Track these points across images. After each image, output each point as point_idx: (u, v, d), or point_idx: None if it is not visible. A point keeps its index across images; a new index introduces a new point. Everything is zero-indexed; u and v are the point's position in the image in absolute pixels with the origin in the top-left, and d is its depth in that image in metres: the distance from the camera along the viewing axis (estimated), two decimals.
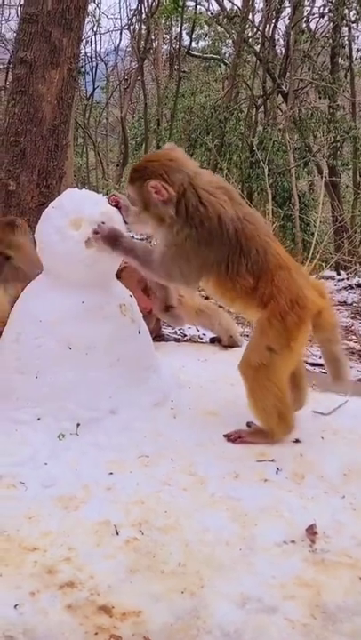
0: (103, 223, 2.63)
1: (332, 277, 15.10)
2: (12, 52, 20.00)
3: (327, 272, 13.43)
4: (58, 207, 2.74)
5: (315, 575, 1.91)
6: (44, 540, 1.99)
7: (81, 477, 2.32)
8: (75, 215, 2.65)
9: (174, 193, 2.47)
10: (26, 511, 2.12)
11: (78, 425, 2.59)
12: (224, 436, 2.64)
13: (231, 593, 1.82)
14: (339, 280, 14.75)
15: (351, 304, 10.95)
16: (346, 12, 15.10)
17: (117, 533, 2.04)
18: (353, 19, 15.28)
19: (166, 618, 1.73)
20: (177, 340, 4.23)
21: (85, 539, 2.01)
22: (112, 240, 2.61)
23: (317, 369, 5.70)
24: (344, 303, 12.88)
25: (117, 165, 19.53)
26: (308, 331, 2.61)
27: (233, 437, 2.63)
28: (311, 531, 2.08)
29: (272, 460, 2.48)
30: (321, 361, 6.50)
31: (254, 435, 2.65)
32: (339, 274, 15.27)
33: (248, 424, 2.72)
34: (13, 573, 1.85)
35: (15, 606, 1.74)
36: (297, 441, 2.63)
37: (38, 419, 2.60)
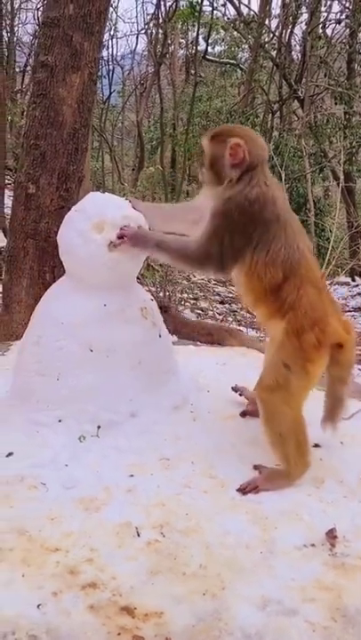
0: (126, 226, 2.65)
1: (347, 283, 15.10)
2: (29, 55, 20.22)
3: (342, 278, 13.45)
4: (80, 210, 2.76)
5: (335, 579, 1.91)
6: (66, 541, 2.01)
7: (102, 479, 2.33)
8: (97, 218, 2.66)
9: (248, 160, 2.50)
10: (48, 512, 2.14)
11: (99, 427, 2.60)
12: (238, 490, 2.36)
13: (252, 595, 1.83)
14: (354, 286, 14.73)
15: None
16: None
17: (138, 535, 2.05)
18: None
19: (188, 619, 1.75)
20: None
21: (107, 540, 2.02)
22: (140, 240, 2.63)
23: None
24: (359, 309, 12.85)
25: (133, 169, 19.60)
26: (326, 357, 2.49)
27: (248, 489, 2.37)
28: (331, 534, 2.09)
29: None
30: None
31: (270, 479, 2.42)
32: (354, 280, 15.25)
33: (255, 467, 2.50)
34: (36, 573, 1.87)
35: (38, 606, 1.76)
36: (316, 445, 2.63)
37: (59, 421, 2.62)
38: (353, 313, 12.50)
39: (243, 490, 2.36)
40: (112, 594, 1.81)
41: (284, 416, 2.45)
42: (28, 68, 20.36)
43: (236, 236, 2.47)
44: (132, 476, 2.37)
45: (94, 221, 2.67)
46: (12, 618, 1.71)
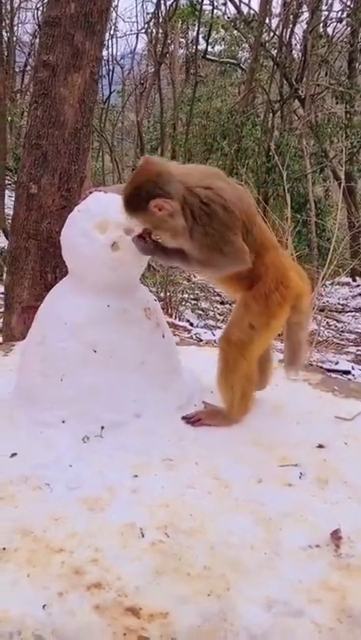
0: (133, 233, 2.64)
1: (348, 284, 15.10)
2: (29, 54, 20.21)
3: (343, 278, 13.44)
4: (84, 210, 2.75)
5: (340, 579, 1.91)
6: (71, 542, 2.01)
7: (106, 480, 2.33)
8: (101, 218, 2.66)
9: (177, 204, 2.40)
10: (52, 512, 2.14)
11: (103, 428, 2.60)
12: (182, 418, 2.72)
13: (257, 596, 1.83)
14: (355, 286, 14.74)
15: None
16: None
17: (143, 536, 2.05)
18: None
19: (193, 620, 1.74)
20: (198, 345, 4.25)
21: (111, 540, 2.02)
22: (159, 252, 2.61)
23: (333, 374, 5.70)
24: (359, 310, 12.84)
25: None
26: (288, 311, 2.69)
27: (193, 420, 2.72)
28: (336, 535, 2.08)
29: (295, 465, 2.48)
30: (339, 367, 6.53)
31: (212, 416, 2.75)
32: (355, 280, 15.25)
33: (204, 403, 2.84)
34: (41, 574, 1.87)
35: (44, 606, 1.75)
36: (320, 446, 2.63)
37: (63, 421, 2.62)
38: (354, 313, 12.51)
39: (187, 419, 2.72)
40: (117, 594, 1.81)
41: (240, 368, 2.67)
42: (28, 67, 20.38)
43: (223, 247, 2.50)
44: (136, 476, 2.36)
45: (98, 221, 2.67)
46: (17, 618, 1.71)
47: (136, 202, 2.44)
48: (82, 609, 1.75)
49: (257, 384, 2.89)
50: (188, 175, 2.51)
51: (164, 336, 2.90)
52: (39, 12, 17.95)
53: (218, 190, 2.48)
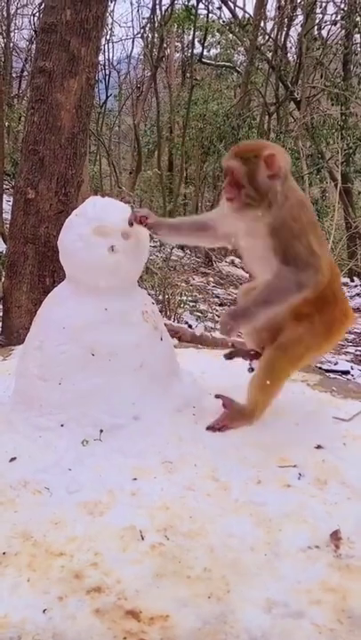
0: None
1: (345, 284, 15.11)
2: (25, 60, 20.25)
3: (341, 279, 13.46)
4: (81, 215, 2.76)
5: (340, 580, 1.91)
6: (71, 546, 2.01)
7: (105, 483, 2.33)
8: (98, 223, 2.67)
9: (283, 168, 2.50)
10: (52, 517, 2.14)
11: (102, 431, 2.60)
12: (207, 428, 2.71)
13: (257, 598, 1.83)
14: (353, 287, 14.74)
15: None
16: (358, 19, 15.11)
17: (143, 538, 2.05)
18: None
19: (194, 622, 1.75)
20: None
21: (111, 544, 2.02)
22: (243, 320, 2.57)
23: (332, 375, 5.70)
24: (357, 310, 12.86)
25: (130, 173, 19.58)
26: (339, 341, 2.79)
27: (217, 427, 2.71)
28: (335, 536, 2.09)
29: (294, 466, 2.48)
30: (338, 367, 6.53)
31: (234, 418, 2.74)
32: (353, 280, 15.25)
33: (218, 396, 2.83)
34: (41, 578, 1.87)
35: (44, 611, 1.76)
36: (319, 447, 2.63)
37: (62, 425, 2.62)
38: None
39: (212, 428, 2.70)
40: (117, 597, 1.81)
41: (282, 376, 2.73)
42: (25, 73, 20.41)
43: (304, 239, 2.50)
44: (135, 479, 2.37)
45: (95, 225, 2.68)
46: (18, 623, 1.72)
47: (251, 149, 2.53)
48: (82, 613, 1.76)
49: None
50: None
51: (162, 339, 2.90)
52: (36, 19, 18.00)
53: (302, 194, 2.67)
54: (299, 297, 2.51)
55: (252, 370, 2.86)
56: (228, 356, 3.00)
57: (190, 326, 7.82)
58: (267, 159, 2.47)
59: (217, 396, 2.84)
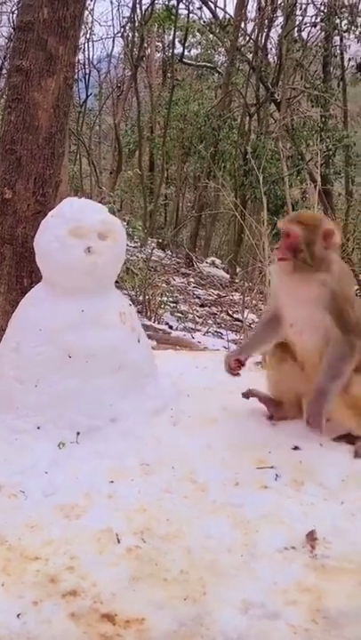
0: None
1: None
2: (4, 58, 20.09)
3: None
4: (57, 216, 2.75)
5: (316, 581, 1.92)
6: (46, 549, 2.00)
7: (82, 486, 2.32)
8: (75, 224, 2.66)
9: (337, 243, 2.65)
10: (27, 520, 2.13)
11: (78, 433, 2.59)
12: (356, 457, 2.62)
13: (234, 599, 1.83)
14: None
15: None
16: (338, 21, 15.23)
17: (119, 541, 2.04)
18: (345, 28, 15.42)
19: (170, 625, 1.74)
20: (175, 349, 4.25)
21: (87, 547, 2.01)
22: (326, 398, 2.58)
23: None
24: None
25: (111, 173, 19.55)
26: None
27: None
28: (311, 537, 2.09)
29: (272, 467, 2.48)
30: None
31: None
32: None
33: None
34: (16, 582, 1.86)
35: (18, 615, 1.75)
36: (296, 448, 2.63)
37: (38, 427, 2.61)
38: None
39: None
40: (93, 601, 1.80)
41: None
42: (4, 71, 20.25)
43: (356, 305, 2.66)
44: (112, 481, 2.36)
45: (71, 226, 2.66)
46: None
47: (313, 218, 2.74)
48: (57, 617, 1.75)
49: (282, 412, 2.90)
50: None
51: (139, 340, 2.89)
52: (14, 16, 17.85)
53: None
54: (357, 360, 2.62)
55: (271, 418, 2.86)
56: (246, 395, 2.97)
57: (171, 327, 7.83)
58: (326, 232, 2.61)
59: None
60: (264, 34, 17.24)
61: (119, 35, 20.51)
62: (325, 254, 2.61)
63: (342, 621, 1.78)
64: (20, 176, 4.29)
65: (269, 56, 17.96)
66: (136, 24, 17.84)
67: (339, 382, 2.58)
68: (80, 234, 2.66)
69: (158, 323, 8.05)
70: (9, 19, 19.56)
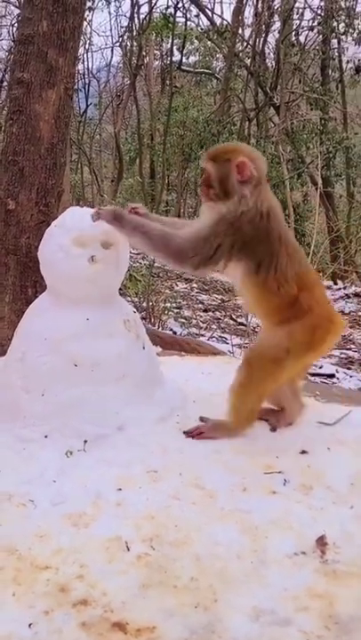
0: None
1: (329, 287, 15.18)
2: (4, 71, 20.20)
3: (324, 282, 13.52)
4: (60, 225, 2.76)
5: (327, 586, 1.91)
6: (56, 558, 1.99)
7: (90, 494, 2.32)
8: (78, 233, 2.67)
9: (256, 175, 2.58)
10: (36, 529, 2.13)
11: (86, 442, 2.59)
12: (184, 432, 2.73)
13: (245, 606, 1.83)
14: (336, 290, 14.83)
15: (349, 313, 11.02)
16: (335, 24, 15.27)
17: (128, 549, 2.04)
18: (342, 31, 15.46)
19: (181, 633, 1.74)
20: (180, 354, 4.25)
21: (97, 555, 2.01)
22: (118, 218, 2.60)
23: (318, 379, 5.73)
24: (342, 312, 12.93)
25: (112, 181, 19.62)
26: (325, 350, 2.79)
27: (194, 433, 2.72)
28: (321, 542, 2.09)
29: (279, 472, 2.48)
30: (323, 371, 6.55)
31: (214, 429, 2.75)
32: (336, 283, 15.32)
33: (202, 419, 2.82)
34: (27, 592, 1.86)
35: (29, 625, 1.74)
36: (304, 452, 2.64)
37: (46, 436, 2.61)
38: None
39: (189, 433, 2.72)
40: (104, 610, 1.80)
41: (262, 386, 2.71)
42: (4, 83, 20.35)
43: (235, 244, 2.55)
44: (120, 489, 2.35)
45: (74, 236, 2.67)
46: (3, 638, 1.69)
47: (226, 152, 2.66)
48: (68, 626, 1.74)
49: (291, 415, 2.92)
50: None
51: (144, 347, 2.90)
52: (14, 29, 17.95)
53: (277, 210, 2.68)
54: (160, 253, 2.62)
55: (274, 430, 2.87)
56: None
57: (175, 333, 7.83)
58: (239, 165, 2.56)
59: (201, 419, 2.85)
60: (262, 39, 17.30)
61: (117, 44, 20.64)
62: (242, 188, 2.57)
63: (354, 627, 1.77)
64: (23, 187, 4.32)
65: (267, 61, 18.02)
66: (134, 33, 17.91)
67: (140, 235, 2.58)
68: (83, 243, 2.67)
69: (162, 329, 8.05)
70: (9, 32, 19.71)
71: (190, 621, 1.77)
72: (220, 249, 2.53)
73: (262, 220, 2.57)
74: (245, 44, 17.37)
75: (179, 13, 17.45)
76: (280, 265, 2.60)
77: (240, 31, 16.93)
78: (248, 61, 16.89)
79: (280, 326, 2.68)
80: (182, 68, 19.29)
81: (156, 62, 22.63)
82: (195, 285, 12.05)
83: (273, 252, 2.59)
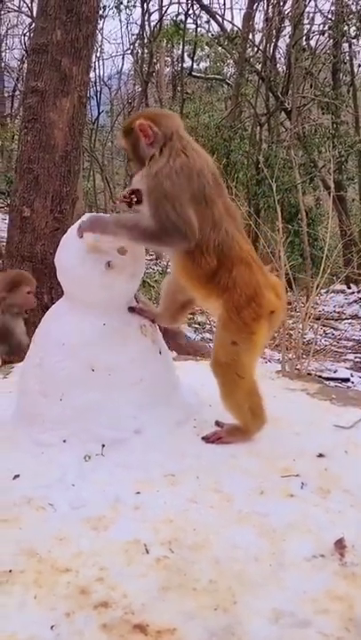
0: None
1: (342, 291, 15.15)
2: (17, 79, 20.39)
3: (338, 286, 13.49)
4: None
5: (346, 589, 1.91)
6: (76, 561, 2.01)
7: (109, 497, 2.34)
8: (93, 239, 2.69)
9: (160, 133, 2.53)
10: (56, 532, 2.14)
11: (103, 446, 2.61)
12: (202, 438, 2.74)
13: (264, 609, 1.83)
14: (350, 294, 14.78)
15: None
16: (346, 28, 15.28)
17: (147, 552, 2.05)
18: (353, 34, 15.49)
19: (201, 635, 1.74)
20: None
21: (116, 558, 2.02)
22: (99, 225, 2.61)
23: (332, 383, 5.72)
24: (355, 316, 12.88)
25: (124, 187, 19.67)
26: (267, 325, 2.68)
27: (212, 439, 2.73)
28: (340, 544, 2.09)
29: (297, 475, 2.48)
30: (338, 375, 6.55)
31: (231, 433, 2.76)
32: (349, 287, 15.31)
33: (217, 423, 2.83)
34: (48, 595, 1.87)
35: (52, 627, 1.75)
36: (321, 455, 2.64)
37: (64, 441, 2.63)
38: (350, 320, 12.55)
39: (207, 439, 2.73)
40: (124, 612, 1.81)
41: (240, 386, 2.69)
42: (17, 92, 20.55)
43: (180, 194, 2.47)
44: (138, 493, 2.37)
45: (90, 242, 2.70)
46: None
47: (130, 121, 2.64)
48: (89, 628, 1.75)
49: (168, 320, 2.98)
50: (185, 135, 2.64)
51: (160, 352, 2.92)
52: (26, 39, 18.15)
53: (202, 159, 2.57)
54: (144, 241, 2.63)
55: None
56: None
57: (188, 338, 7.84)
58: (140, 128, 2.54)
59: (217, 423, 2.84)
60: (272, 44, 17.36)
61: (129, 52, 20.79)
62: (149, 149, 2.55)
63: None
64: (38, 194, 4.38)
65: (278, 65, 18.09)
66: (145, 40, 18.01)
67: (121, 228, 2.55)
68: (99, 249, 2.69)
69: None
70: (21, 41, 19.92)
71: (210, 623, 1.78)
72: (175, 214, 2.46)
73: (178, 176, 2.47)
74: (256, 49, 17.42)
75: (189, 20, 17.59)
76: (203, 232, 2.51)
77: (251, 36, 16.99)
78: (259, 66, 16.94)
79: (208, 302, 2.71)
80: (193, 74, 19.37)
81: (168, 69, 22.76)
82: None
83: (195, 214, 2.49)
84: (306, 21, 16.26)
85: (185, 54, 18.95)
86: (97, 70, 21.05)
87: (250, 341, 2.64)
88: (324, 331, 10.53)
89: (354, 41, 16.01)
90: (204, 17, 18.23)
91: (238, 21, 18.46)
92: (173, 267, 2.74)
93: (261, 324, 2.64)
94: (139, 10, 18.19)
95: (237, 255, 2.60)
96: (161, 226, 2.47)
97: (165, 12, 18.29)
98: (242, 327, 2.61)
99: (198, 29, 18.71)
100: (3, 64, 20.68)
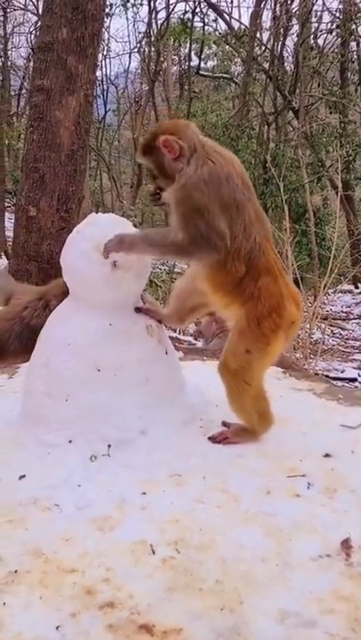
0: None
1: (350, 291, 15.11)
2: (23, 78, 20.43)
3: (345, 286, 13.45)
4: (83, 231, 2.78)
5: (352, 589, 1.91)
6: (82, 562, 2.01)
7: (114, 498, 2.33)
8: (100, 239, 2.69)
9: (186, 145, 2.49)
10: (62, 533, 2.14)
11: (109, 446, 2.61)
12: (209, 438, 2.74)
13: (270, 609, 1.83)
14: (357, 293, 14.74)
15: None
16: (353, 26, 15.22)
17: (154, 552, 2.05)
18: None
19: (207, 635, 1.74)
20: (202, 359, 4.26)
21: (122, 559, 2.02)
22: (125, 246, 2.59)
23: (339, 383, 5.70)
24: None
25: (131, 187, 19.71)
26: (283, 338, 2.68)
27: (219, 439, 2.73)
28: (346, 544, 2.08)
29: (303, 475, 2.48)
30: (345, 375, 6.53)
31: (238, 434, 2.76)
32: (357, 287, 15.27)
33: (224, 423, 2.83)
34: (54, 595, 1.87)
35: (57, 628, 1.75)
36: (327, 455, 2.63)
37: (70, 441, 2.63)
38: (358, 320, 12.51)
39: (213, 438, 2.73)
40: (130, 612, 1.81)
41: (248, 393, 2.68)
42: (23, 90, 20.59)
43: (210, 207, 2.45)
44: (144, 493, 2.37)
45: (97, 241, 2.69)
46: None
47: (148, 140, 2.58)
48: (95, 629, 1.75)
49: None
50: (209, 142, 2.61)
51: (166, 352, 2.91)
52: (32, 37, 18.17)
53: (228, 164, 2.53)
54: (172, 255, 2.70)
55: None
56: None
57: (195, 338, 7.83)
58: (164, 144, 2.49)
59: (224, 423, 2.84)
60: (280, 43, 17.33)
61: (135, 50, 20.80)
62: (176, 164, 2.50)
63: None
64: (44, 193, 4.38)
65: (286, 64, 18.05)
66: (152, 39, 18.01)
67: (149, 246, 2.58)
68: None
69: (183, 334, 8.06)
70: (27, 39, 19.96)
71: (216, 624, 1.77)
72: (204, 227, 2.46)
73: (207, 185, 2.45)
74: (264, 47, 17.39)
75: (196, 18, 17.56)
76: (232, 237, 2.49)
77: (258, 35, 16.95)
78: (266, 65, 16.91)
79: (228, 310, 2.69)
80: (200, 72, 19.36)
81: (175, 67, 22.76)
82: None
83: (225, 221, 2.48)
84: (314, 20, 16.24)
85: (192, 53, 18.97)
86: (104, 69, 21.10)
87: (264, 351, 2.65)
88: (332, 330, 10.50)
89: None
90: (212, 15, 18.25)
91: (246, 20, 18.47)
92: (197, 272, 2.71)
93: (279, 336, 2.65)
94: (146, 8, 18.26)
95: (264, 265, 2.59)
96: (191, 239, 2.47)
97: (173, 10, 18.31)
98: (260, 337, 2.61)
99: (206, 28, 18.73)
100: (9, 62, 20.70)
